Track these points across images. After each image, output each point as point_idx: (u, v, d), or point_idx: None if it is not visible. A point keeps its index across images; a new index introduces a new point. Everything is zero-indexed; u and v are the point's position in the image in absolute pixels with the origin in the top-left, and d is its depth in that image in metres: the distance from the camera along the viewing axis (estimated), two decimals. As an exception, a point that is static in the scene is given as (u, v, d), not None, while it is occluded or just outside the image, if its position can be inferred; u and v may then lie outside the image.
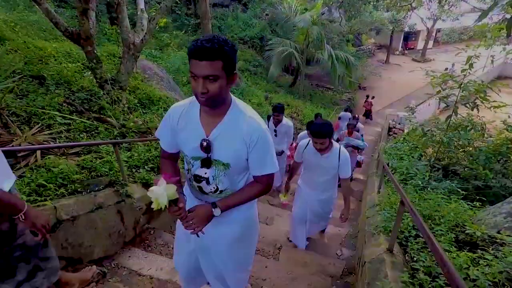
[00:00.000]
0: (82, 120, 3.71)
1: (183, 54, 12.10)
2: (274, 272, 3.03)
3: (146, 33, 4.72)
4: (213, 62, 1.19)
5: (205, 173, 1.52)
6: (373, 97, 16.07)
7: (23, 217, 1.36)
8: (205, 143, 1.41)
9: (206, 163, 1.48)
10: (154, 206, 1.30)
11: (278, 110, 4.70)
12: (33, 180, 2.41)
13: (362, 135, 6.85)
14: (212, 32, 8.29)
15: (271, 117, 4.94)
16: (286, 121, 4.88)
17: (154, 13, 4.89)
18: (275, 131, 4.90)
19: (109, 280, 2.47)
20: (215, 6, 17.21)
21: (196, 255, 1.81)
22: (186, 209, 1.47)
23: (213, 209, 1.49)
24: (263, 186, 1.58)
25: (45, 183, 2.41)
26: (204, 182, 1.54)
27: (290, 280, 2.94)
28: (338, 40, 19.34)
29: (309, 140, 3.06)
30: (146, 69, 7.27)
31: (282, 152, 5.09)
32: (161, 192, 1.29)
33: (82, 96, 4.16)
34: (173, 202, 1.36)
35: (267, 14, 18.90)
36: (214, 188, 1.55)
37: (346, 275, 3.17)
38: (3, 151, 1.41)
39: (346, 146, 6.00)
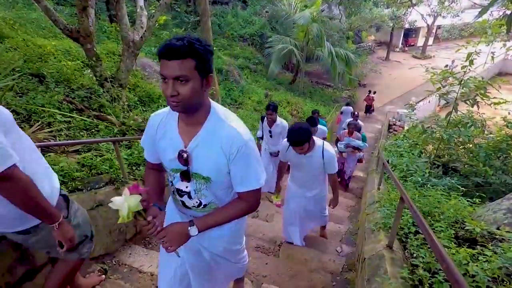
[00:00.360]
0: (82, 118, 3.72)
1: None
2: (274, 269, 3.04)
3: (145, 31, 4.71)
4: (183, 61, 1.09)
5: (186, 187, 1.41)
6: (374, 92, 16.14)
7: (57, 227, 1.46)
8: (184, 155, 1.30)
9: (185, 176, 1.36)
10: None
11: (272, 108, 4.58)
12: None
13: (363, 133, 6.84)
14: (212, 29, 8.27)
15: (265, 118, 4.84)
16: (280, 120, 4.77)
17: (153, 11, 4.88)
18: (270, 131, 4.83)
19: (110, 277, 2.48)
20: (215, 4, 17.18)
21: (183, 273, 1.70)
22: (163, 224, 1.37)
23: (189, 228, 1.33)
24: (247, 204, 1.42)
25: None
26: (186, 196, 1.44)
27: (290, 277, 2.95)
28: (338, 37, 19.28)
29: None
30: (145, 66, 7.28)
31: (279, 152, 5.07)
32: (120, 202, 1.20)
33: (82, 94, 4.17)
34: (139, 215, 1.26)
35: (267, 12, 18.87)
36: (197, 202, 1.44)
37: (346, 271, 3.18)
38: None
39: (347, 146, 5.99)
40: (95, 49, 4.29)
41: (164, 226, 1.37)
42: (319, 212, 3.43)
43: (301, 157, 2.87)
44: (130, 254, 2.85)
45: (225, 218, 1.41)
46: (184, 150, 1.30)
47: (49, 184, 1.49)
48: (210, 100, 1.31)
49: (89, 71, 4.63)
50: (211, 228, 1.39)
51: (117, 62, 5.53)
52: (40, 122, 3.27)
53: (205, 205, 1.45)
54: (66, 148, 3.09)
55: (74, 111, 3.82)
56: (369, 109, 16.47)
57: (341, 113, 10.47)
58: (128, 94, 5.01)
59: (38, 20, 7.20)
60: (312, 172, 3.01)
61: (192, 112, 1.24)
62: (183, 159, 1.30)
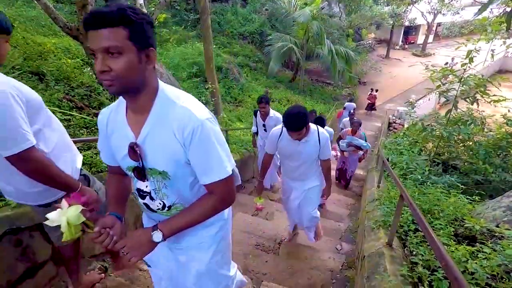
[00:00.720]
0: (82, 116, 3.71)
1: (182, 49, 12.07)
2: (274, 267, 3.05)
3: (145, 29, 4.70)
4: (113, 30, 0.91)
5: (146, 186, 1.22)
6: (376, 90, 16.27)
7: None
8: (136, 148, 1.11)
9: (140, 173, 1.17)
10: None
11: (264, 101, 4.51)
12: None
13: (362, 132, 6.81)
14: (212, 27, 8.23)
15: (258, 112, 4.79)
16: (273, 113, 4.70)
17: (153, 8, 4.88)
18: (264, 125, 4.78)
19: (110, 274, 2.48)
20: (215, 1, 17.14)
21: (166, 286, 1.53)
22: (121, 235, 1.20)
23: (152, 233, 1.15)
24: (217, 197, 1.20)
25: (45, 179, 2.41)
26: (148, 197, 1.24)
27: (290, 275, 2.96)
28: (338, 35, 19.26)
29: (282, 127, 2.74)
30: (145, 64, 7.25)
31: None
32: (57, 217, 1.05)
33: (82, 92, 4.16)
34: (87, 227, 1.11)
35: (266, 9, 18.83)
36: (160, 204, 1.24)
37: (345, 269, 3.19)
38: None
39: (348, 145, 5.92)
40: (94, 47, 4.28)
41: None
42: (311, 207, 3.10)
43: (296, 144, 2.67)
44: (130, 252, 2.86)
45: (195, 217, 1.20)
46: (134, 142, 1.12)
47: (71, 165, 1.61)
48: (159, 80, 1.12)
49: (89, 69, 4.62)
50: (180, 231, 1.21)
51: (117, 60, 5.51)
52: (40, 120, 3.26)
53: (169, 207, 1.24)
54: (66, 146, 3.09)
55: (74, 109, 3.81)
56: (371, 106, 16.54)
57: (344, 108, 10.91)
58: (128, 92, 5.00)
59: (38, 18, 7.18)
60: (308, 160, 2.80)
61: (133, 94, 1.05)
62: (134, 153, 1.12)
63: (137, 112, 1.11)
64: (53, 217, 1.05)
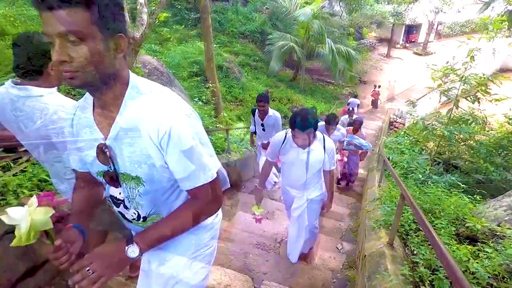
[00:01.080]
0: (83, 115, 3.71)
1: (183, 48, 12.07)
2: (275, 266, 3.05)
3: (146, 28, 4.70)
4: (72, 11, 0.75)
5: (119, 193, 1.06)
6: (379, 86, 16.36)
7: None
8: (105, 150, 0.96)
9: (111, 178, 1.01)
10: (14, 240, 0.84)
11: (263, 99, 4.34)
12: (35, 175, 2.41)
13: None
14: (212, 26, 8.21)
15: (256, 111, 4.62)
16: (272, 112, 4.54)
17: (154, 7, 4.87)
18: (262, 125, 4.62)
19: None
20: (215, 0, 17.12)
21: None
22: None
23: (127, 248, 0.94)
24: (201, 203, 1.06)
25: (46, 178, 2.41)
26: (122, 206, 1.09)
27: (291, 274, 2.96)
28: (339, 34, 19.22)
29: (286, 133, 2.60)
30: (146, 64, 7.27)
31: None
32: (21, 216, 0.86)
33: (83, 92, 4.15)
34: (47, 236, 0.93)
35: (267, 8, 18.81)
36: (134, 214, 1.09)
37: (346, 268, 3.19)
38: (5, 147, 1.56)
39: (349, 144, 5.84)
40: (95, 47, 4.28)
41: None
42: (313, 218, 2.94)
43: (300, 152, 2.51)
44: (131, 251, 2.85)
45: (177, 226, 1.04)
46: (104, 143, 0.97)
47: None
48: (130, 72, 0.98)
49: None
50: (161, 243, 1.03)
51: (118, 59, 5.51)
52: (40, 120, 3.26)
53: (145, 218, 1.09)
54: (67, 146, 3.09)
55: (75, 109, 3.82)
56: (376, 103, 16.62)
57: (348, 104, 10.77)
58: (128, 91, 5.00)
59: (39, 17, 7.18)
60: (312, 169, 2.61)
61: (100, 88, 0.90)
62: (104, 155, 0.97)
63: (106, 109, 0.96)
64: (15, 214, 0.86)
